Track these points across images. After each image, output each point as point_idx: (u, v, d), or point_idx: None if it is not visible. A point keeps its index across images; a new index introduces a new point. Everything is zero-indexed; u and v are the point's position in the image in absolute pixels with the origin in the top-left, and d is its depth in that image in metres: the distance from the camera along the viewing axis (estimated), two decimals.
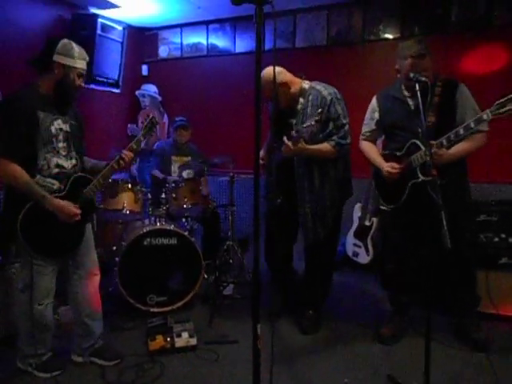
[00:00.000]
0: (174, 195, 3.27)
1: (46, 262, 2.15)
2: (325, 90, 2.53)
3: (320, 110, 2.31)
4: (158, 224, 3.11)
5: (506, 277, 2.80)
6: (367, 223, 3.79)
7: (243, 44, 4.63)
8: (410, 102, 2.41)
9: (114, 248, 3.42)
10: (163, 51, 5.06)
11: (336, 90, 2.57)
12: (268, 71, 2.28)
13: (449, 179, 2.25)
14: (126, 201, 3.07)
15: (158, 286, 2.98)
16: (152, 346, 2.46)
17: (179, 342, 2.49)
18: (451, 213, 2.31)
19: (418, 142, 2.31)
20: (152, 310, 2.93)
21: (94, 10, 4.12)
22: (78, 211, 2.13)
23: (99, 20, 3.85)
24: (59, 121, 2.15)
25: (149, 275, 2.97)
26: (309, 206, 2.60)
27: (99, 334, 2.43)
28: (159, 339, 2.49)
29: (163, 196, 3.29)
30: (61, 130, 2.15)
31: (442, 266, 2.67)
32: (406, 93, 2.44)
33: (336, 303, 3.17)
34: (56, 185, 2.13)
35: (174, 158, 3.90)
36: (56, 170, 2.13)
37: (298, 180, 2.60)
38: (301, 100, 2.56)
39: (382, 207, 2.50)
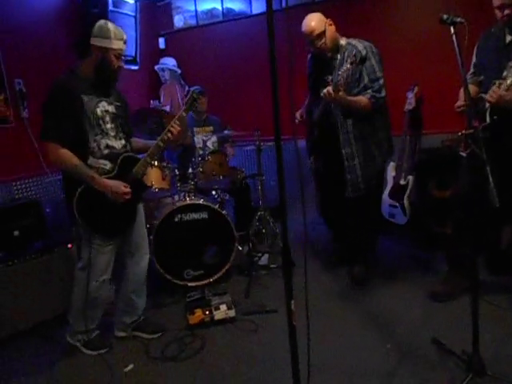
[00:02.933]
0: (201, 169, 3.23)
1: (104, 241, 2.22)
2: (360, 44, 2.55)
3: (354, 51, 2.38)
4: (188, 199, 3.09)
5: None
6: (402, 182, 3.62)
7: (260, 4, 4.40)
8: (508, 38, 2.18)
9: (148, 226, 3.45)
10: (178, 21, 4.89)
11: (371, 44, 2.57)
12: (315, 14, 2.56)
13: None
14: (153, 179, 3.05)
15: (193, 261, 3.00)
16: (192, 319, 2.50)
17: (218, 315, 2.52)
18: None
19: (497, 82, 2.08)
20: (189, 284, 2.96)
21: None
22: (128, 190, 2.16)
23: None
24: (104, 103, 2.18)
25: (183, 251, 2.98)
26: (347, 157, 2.67)
27: (142, 311, 2.50)
28: (198, 313, 2.52)
29: (190, 171, 3.25)
30: (106, 111, 2.18)
31: (497, 221, 2.51)
32: (507, 29, 2.19)
33: (375, 265, 3.10)
34: (108, 165, 2.18)
35: (196, 129, 3.85)
36: (107, 151, 2.17)
37: (340, 135, 2.66)
38: (338, 56, 2.58)
39: (460, 153, 2.33)
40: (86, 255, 2.21)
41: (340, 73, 2.34)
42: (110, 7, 3.74)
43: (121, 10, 3.89)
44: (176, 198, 3.23)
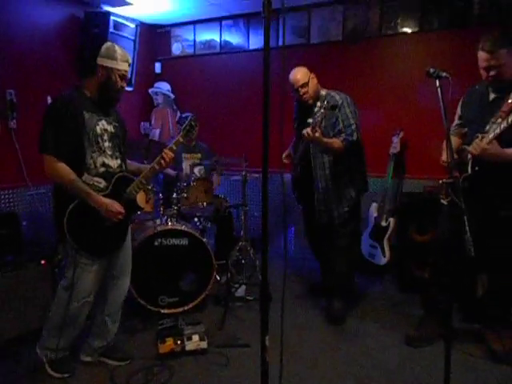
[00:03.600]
0: (185, 195, 3.22)
1: (90, 261, 2.17)
2: (337, 95, 2.88)
3: (326, 101, 2.66)
4: (170, 224, 3.06)
5: None
6: (384, 224, 3.67)
7: (257, 40, 4.54)
8: (491, 96, 2.31)
9: None
10: (176, 48, 5.00)
11: (347, 96, 2.90)
12: (301, 68, 2.89)
13: (507, 179, 2.18)
14: (137, 200, 3.02)
15: (169, 287, 2.94)
16: (162, 348, 2.42)
17: (189, 346, 2.45)
18: (506, 216, 2.23)
19: (480, 135, 2.18)
20: (163, 311, 2.89)
21: (106, 8, 4.09)
22: (122, 210, 2.16)
23: (111, 18, 3.80)
24: (103, 121, 2.20)
25: (160, 276, 2.93)
26: (322, 191, 2.93)
27: (112, 337, 2.43)
28: (169, 342, 2.45)
29: (174, 196, 3.24)
30: (105, 130, 2.20)
31: (473, 270, 2.57)
32: (491, 88, 2.33)
33: (352, 305, 3.10)
34: (102, 183, 2.17)
35: (184, 155, 3.87)
36: (102, 169, 2.17)
37: (313, 170, 2.94)
38: (318, 104, 2.89)
39: (441, 201, 2.40)
40: (70, 274, 2.16)
41: (316, 116, 2.63)
42: (111, 29, 3.81)
43: (121, 33, 3.96)
44: (158, 221, 3.20)
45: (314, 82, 2.90)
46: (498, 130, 2.09)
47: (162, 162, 2.27)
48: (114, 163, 2.23)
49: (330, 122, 2.82)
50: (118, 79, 2.16)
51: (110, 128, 2.22)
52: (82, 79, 2.22)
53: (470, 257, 1.53)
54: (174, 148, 2.31)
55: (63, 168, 2.04)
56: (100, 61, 2.14)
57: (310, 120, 2.84)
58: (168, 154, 2.28)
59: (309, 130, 2.61)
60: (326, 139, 2.74)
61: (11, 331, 2.54)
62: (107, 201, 2.12)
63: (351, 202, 2.94)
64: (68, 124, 2.06)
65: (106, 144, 2.19)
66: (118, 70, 2.15)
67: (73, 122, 2.06)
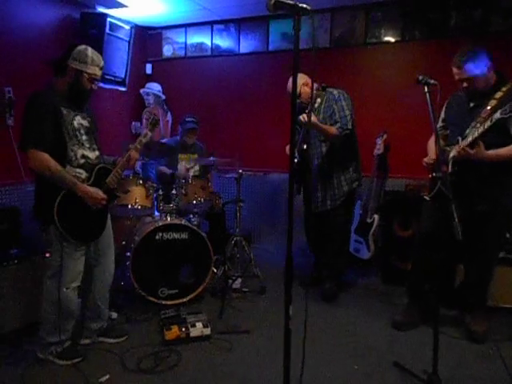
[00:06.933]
0: (183, 191, 3.35)
1: (76, 247, 2.30)
2: (335, 90, 3.22)
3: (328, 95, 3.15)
4: (169, 219, 3.19)
5: (502, 270, 2.94)
6: (368, 220, 3.91)
7: (247, 45, 4.72)
8: (471, 103, 2.53)
9: (124, 243, 3.49)
10: (167, 50, 5.12)
11: (344, 91, 3.21)
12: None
13: (485, 178, 2.41)
14: (137, 196, 3.13)
15: (169, 280, 3.07)
16: (168, 335, 2.55)
17: (194, 332, 2.59)
18: (482, 211, 2.46)
19: (460, 139, 2.42)
20: (164, 302, 3.01)
21: (101, 9, 4.17)
22: (105, 196, 2.33)
23: (108, 19, 3.90)
24: (79, 117, 2.34)
25: (160, 269, 3.05)
26: (317, 179, 3.26)
27: (107, 316, 2.62)
28: (174, 329, 2.58)
29: (174, 192, 3.37)
30: (81, 124, 2.35)
31: (451, 261, 2.83)
32: (467, 97, 2.56)
33: (342, 296, 3.33)
34: (83, 174, 2.31)
35: (180, 155, 3.98)
36: (82, 161, 2.31)
37: (310, 161, 3.26)
38: (318, 100, 3.19)
39: (424, 196, 2.63)
40: (56, 262, 2.27)
41: (313, 102, 3.01)
42: (107, 30, 3.91)
43: (117, 34, 4.06)
44: (157, 216, 3.32)
45: (305, 89, 3.20)
46: (476, 134, 2.34)
47: (138, 146, 2.49)
48: (93, 155, 2.37)
49: (328, 114, 3.15)
50: (87, 81, 2.28)
51: (84, 123, 2.36)
52: (54, 78, 2.31)
53: (458, 240, 1.74)
54: (143, 141, 2.53)
55: (50, 160, 2.16)
56: (71, 63, 2.25)
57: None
58: (141, 141, 2.51)
59: (304, 115, 2.89)
60: (321, 124, 3.06)
61: (17, 322, 2.62)
62: (92, 189, 2.28)
63: (343, 191, 3.23)
64: (50, 119, 2.17)
65: (84, 137, 2.33)
66: (88, 73, 2.26)
67: (52, 117, 2.18)
